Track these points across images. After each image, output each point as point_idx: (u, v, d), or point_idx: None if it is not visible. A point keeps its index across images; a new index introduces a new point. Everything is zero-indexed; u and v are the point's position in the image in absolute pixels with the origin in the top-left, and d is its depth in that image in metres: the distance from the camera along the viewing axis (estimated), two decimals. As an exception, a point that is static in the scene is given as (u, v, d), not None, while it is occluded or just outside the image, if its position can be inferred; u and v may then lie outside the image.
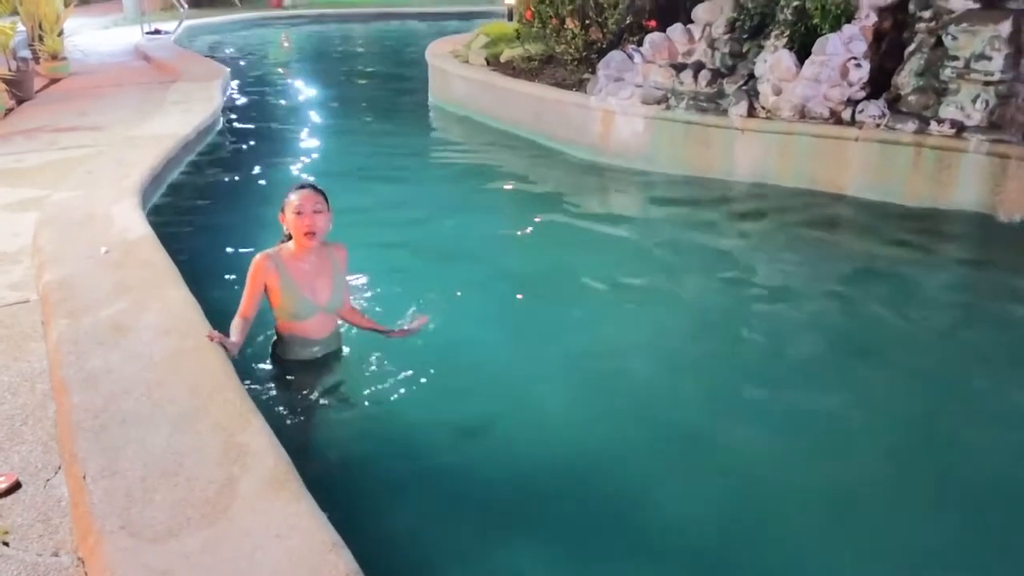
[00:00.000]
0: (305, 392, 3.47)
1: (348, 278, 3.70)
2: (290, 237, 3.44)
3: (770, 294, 4.89)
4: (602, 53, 7.82)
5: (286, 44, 17.20)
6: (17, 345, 3.39)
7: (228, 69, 10.90)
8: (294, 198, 3.35)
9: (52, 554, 2.22)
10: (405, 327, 3.75)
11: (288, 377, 3.54)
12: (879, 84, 6.39)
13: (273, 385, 3.44)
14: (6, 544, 2.26)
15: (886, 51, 6.56)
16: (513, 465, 3.15)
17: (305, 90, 11.86)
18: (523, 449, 3.26)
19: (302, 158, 7.81)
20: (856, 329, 4.42)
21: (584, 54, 8.27)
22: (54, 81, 10.01)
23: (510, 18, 10.75)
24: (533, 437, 3.34)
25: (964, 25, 5.91)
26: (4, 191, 5.45)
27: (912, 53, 6.28)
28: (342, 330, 3.74)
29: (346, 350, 3.72)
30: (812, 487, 3.08)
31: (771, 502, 2.99)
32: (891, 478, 3.16)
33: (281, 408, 3.27)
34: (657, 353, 4.10)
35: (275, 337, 3.59)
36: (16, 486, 2.49)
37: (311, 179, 3.92)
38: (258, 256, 3.39)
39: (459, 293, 4.60)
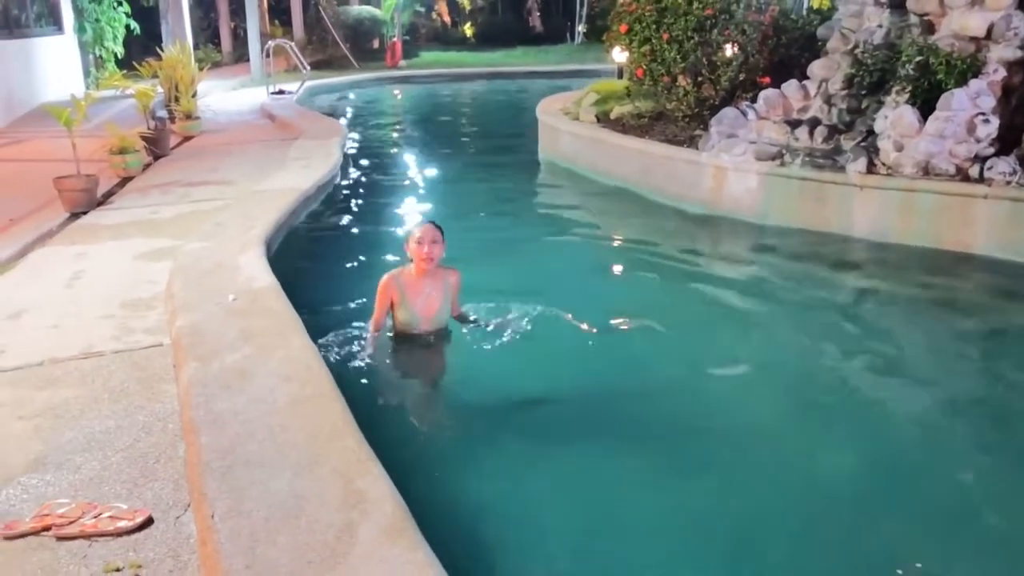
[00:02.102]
0: (419, 432, 3.64)
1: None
2: (412, 261, 4.22)
3: (887, 351, 4.69)
4: (714, 110, 7.79)
5: (401, 103, 17.82)
6: (151, 387, 3.56)
7: (346, 127, 11.37)
8: (417, 231, 4.18)
9: (181, 590, 2.30)
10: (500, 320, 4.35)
11: (404, 418, 3.69)
12: (1008, 140, 6.14)
13: (390, 428, 3.51)
14: (138, 578, 2.35)
15: (1016, 106, 6.32)
16: (645, 518, 3.10)
17: (418, 145, 12.23)
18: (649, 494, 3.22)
19: (414, 210, 8.03)
20: (985, 395, 4.19)
21: (696, 111, 8.27)
22: (187, 139, 10.64)
23: (620, 76, 10.85)
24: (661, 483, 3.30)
25: (1103, 79, 5.65)
26: (141, 241, 5.78)
27: (1045, 108, 6.03)
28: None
29: (463, 378, 4.07)
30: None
31: None
32: None
33: (398, 452, 3.31)
34: (760, 405, 4.02)
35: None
36: (149, 522, 2.60)
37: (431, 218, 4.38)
38: (385, 276, 4.26)
39: (567, 332, 4.62)
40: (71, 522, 2.56)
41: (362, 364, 4.16)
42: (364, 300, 4.98)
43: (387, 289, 4.24)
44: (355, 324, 4.62)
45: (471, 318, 4.52)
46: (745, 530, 3.05)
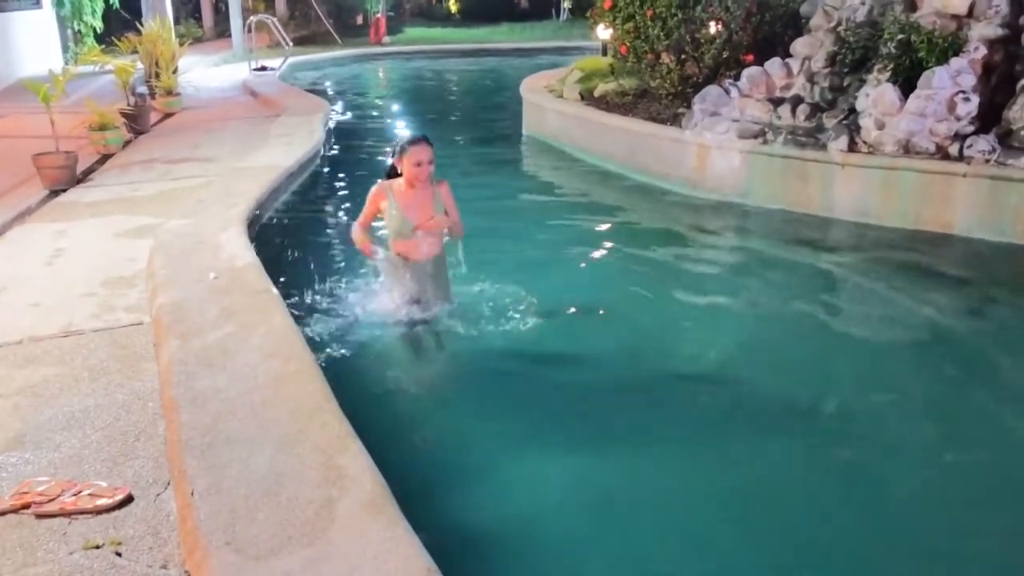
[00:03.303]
0: (400, 409, 3.67)
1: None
2: (399, 174, 4.22)
3: (871, 333, 4.73)
4: (698, 88, 7.78)
5: (384, 79, 17.69)
6: (131, 365, 3.55)
7: (329, 104, 11.28)
8: (414, 150, 4.12)
9: (161, 566, 2.31)
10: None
11: (385, 395, 3.74)
12: (988, 119, 6.17)
13: (371, 405, 3.53)
14: (119, 555, 2.36)
15: (996, 85, 6.33)
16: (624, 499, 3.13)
17: (402, 123, 12.17)
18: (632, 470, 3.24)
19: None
20: (967, 375, 4.24)
21: (679, 88, 8.24)
22: (168, 115, 10.55)
23: (604, 53, 10.79)
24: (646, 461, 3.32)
25: (1082, 57, 5.67)
26: (122, 219, 5.75)
27: (1025, 87, 6.06)
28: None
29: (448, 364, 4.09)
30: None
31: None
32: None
33: (378, 429, 3.33)
34: (742, 387, 4.03)
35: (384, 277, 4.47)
36: (129, 499, 2.60)
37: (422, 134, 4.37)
38: (377, 185, 4.29)
39: (547, 316, 4.61)
40: (50, 500, 2.56)
41: (344, 342, 4.18)
42: (346, 277, 5.00)
43: (377, 197, 4.27)
44: (337, 301, 4.64)
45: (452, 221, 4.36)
46: (729, 510, 3.09)
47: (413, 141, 4.17)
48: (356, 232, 4.29)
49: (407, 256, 4.33)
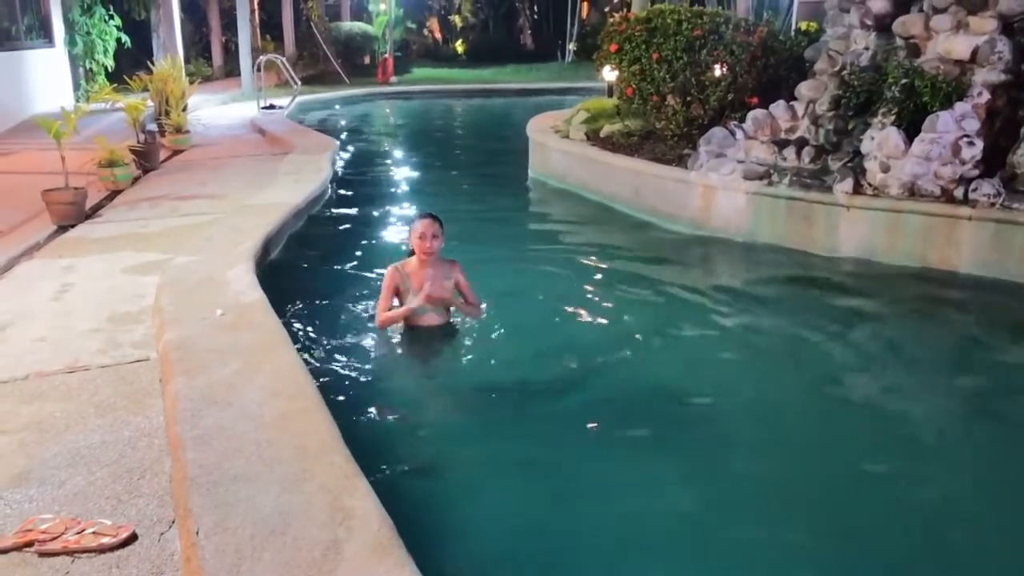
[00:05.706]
0: (407, 448, 3.64)
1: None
2: (413, 252, 4.52)
3: (873, 367, 4.73)
4: (703, 129, 7.85)
5: (392, 118, 17.86)
6: (138, 401, 3.54)
7: (337, 142, 11.37)
8: (419, 225, 4.46)
9: (164, 607, 2.29)
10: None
11: (393, 434, 3.74)
12: (993, 163, 6.21)
13: (378, 444, 3.51)
14: (122, 595, 2.33)
15: (1000, 129, 6.38)
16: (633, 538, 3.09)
17: (409, 162, 12.25)
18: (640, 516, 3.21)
19: (405, 227, 8.02)
20: (970, 414, 4.22)
21: (685, 130, 8.32)
22: (177, 152, 10.63)
23: (610, 94, 10.91)
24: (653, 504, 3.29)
25: (1085, 103, 5.72)
26: (129, 255, 5.77)
27: (1029, 131, 6.10)
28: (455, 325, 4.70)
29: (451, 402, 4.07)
30: None
31: None
32: None
33: (385, 468, 3.31)
34: (748, 429, 4.00)
35: (398, 338, 4.60)
36: (132, 538, 2.58)
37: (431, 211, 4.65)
38: (390, 268, 4.58)
39: (557, 356, 4.60)
40: (54, 538, 2.54)
41: (351, 379, 4.17)
42: (353, 314, 5.00)
43: (392, 278, 4.54)
44: (344, 338, 4.64)
45: (481, 306, 4.76)
46: (731, 532, 3.06)
47: (419, 216, 4.56)
48: (381, 319, 4.54)
49: (417, 325, 4.58)
